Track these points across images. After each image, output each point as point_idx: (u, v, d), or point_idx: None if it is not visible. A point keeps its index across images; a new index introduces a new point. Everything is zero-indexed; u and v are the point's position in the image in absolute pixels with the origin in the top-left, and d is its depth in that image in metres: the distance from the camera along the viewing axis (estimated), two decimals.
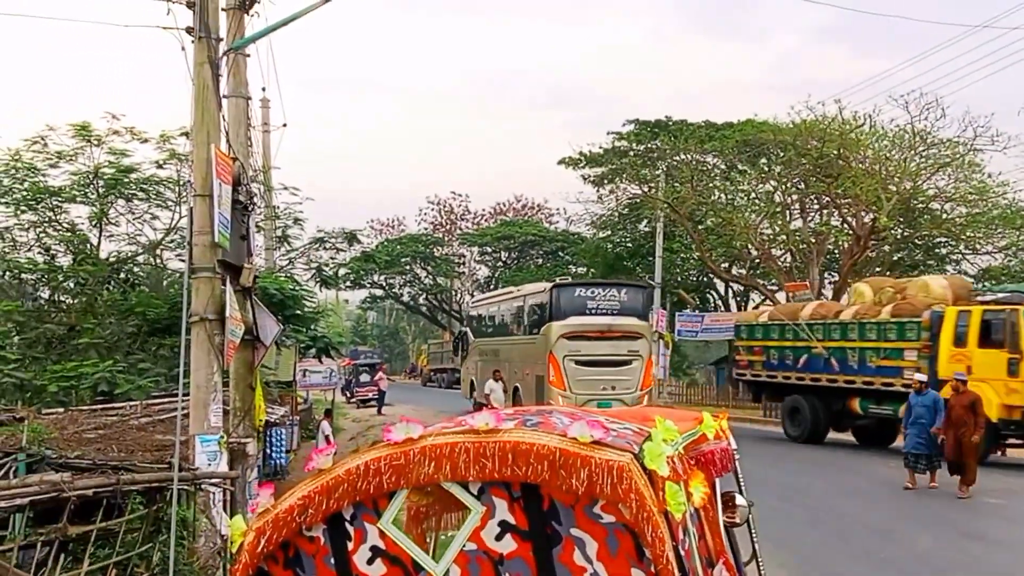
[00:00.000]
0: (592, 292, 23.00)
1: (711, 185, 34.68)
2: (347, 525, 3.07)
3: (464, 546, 2.97)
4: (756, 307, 44.51)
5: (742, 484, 4.48)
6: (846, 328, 20.06)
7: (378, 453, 3.05)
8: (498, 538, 2.94)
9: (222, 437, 8.50)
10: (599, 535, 2.84)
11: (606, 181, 39.60)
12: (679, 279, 41.84)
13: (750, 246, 33.71)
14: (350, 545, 3.07)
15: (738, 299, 43.73)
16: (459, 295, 59.51)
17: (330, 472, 3.10)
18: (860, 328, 19.63)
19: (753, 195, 34.93)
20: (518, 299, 26.49)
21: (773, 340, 22.68)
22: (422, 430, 3.07)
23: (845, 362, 19.94)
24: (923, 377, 15.18)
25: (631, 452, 2.87)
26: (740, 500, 4.19)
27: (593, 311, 22.40)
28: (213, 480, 8.13)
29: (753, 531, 4.41)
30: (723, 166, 36.83)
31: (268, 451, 15.92)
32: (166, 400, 12.00)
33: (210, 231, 8.27)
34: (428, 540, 3.20)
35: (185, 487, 7.44)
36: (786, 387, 22.40)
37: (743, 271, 37.53)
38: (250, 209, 9.93)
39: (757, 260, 35.62)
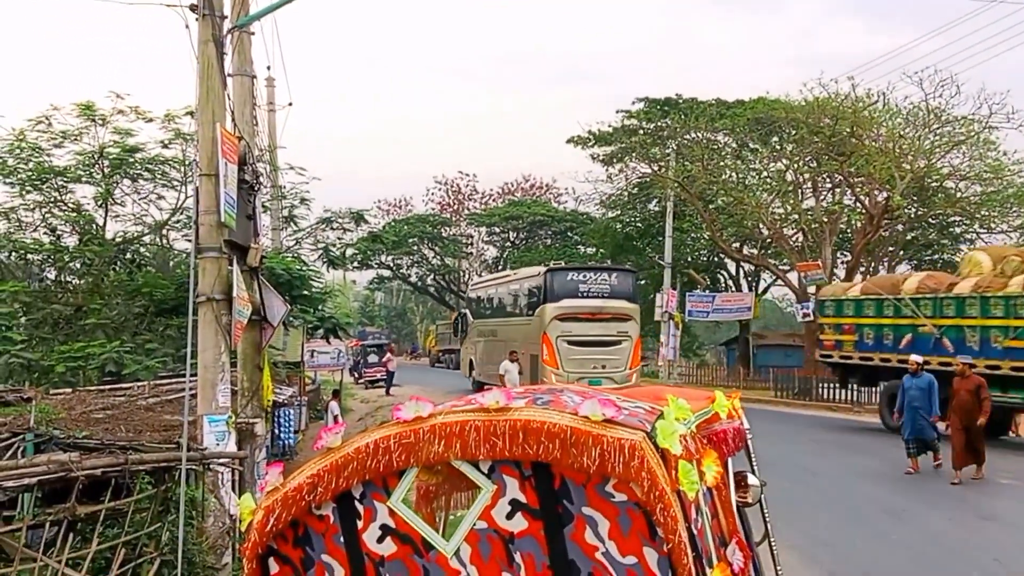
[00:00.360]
0: (584, 276, 24.56)
1: (722, 164, 34.51)
2: (356, 503, 3.08)
3: (475, 524, 2.97)
4: (767, 288, 44.59)
5: (755, 464, 4.47)
6: (963, 303, 17.73)
7: (388, 431, 3.04)
8: (509, 516, 2.94)
9: (230, 417, 8.54)
10: (611, 514, 2.83)
11: (615, 160, 39.45)
12: (689, 259, 41.77)
13: (761, 226, 33.59)
14: (360, 523, 3.08)
15: (749, 279, 43.64)
16: (467, 275, 59.54)
17: (339, 450, 3.09)
18: (983, 303, 17.27)
19: (765, 174, 34.76)
20: (515, 282, 28.11)
21: (868, 317, 20.35)
22: (432, 408, 3.07)
23: (962, 342, 17.48)
24: (920, 359, 14.64)
25: (643, 431, 2.86)
26: (752, 480, 4.18)
27: (585, 294, 24.00)
28: (221, 460, 8.19)
29: (765, 511, 4.41)
30: (734, 145, 36.63)
31: (276, 431, 16.05)
32: (174, 380, 12.08)
33: (216, 211, 8.28)
34: (438, 518, 3.20)
35: (193, 467, 7.48)
36: (883, 371, 20.00)
37: (754, 251, 37.42)
38: (256, 189, 9.93)
39: (769, 240, 35.49)
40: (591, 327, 23.61)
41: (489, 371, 28.87)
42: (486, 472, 2.96)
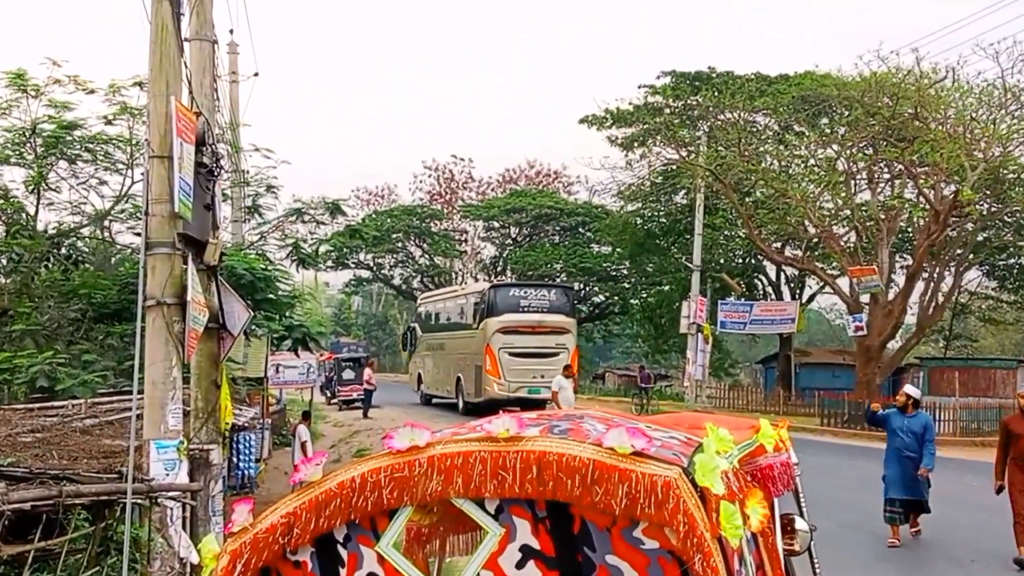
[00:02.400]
0: (525, 292, 30.89)
1: (762, 149, 34.56)
2: (339, 548, 3.07)
3: (478, 574, 2.96)
4: (812, 296, 44.62)
5: (803, 505, 4.47)
6: None
7: (377, 463, 3.04)
8: (519, 566, 2.93)
9: (182, 443, 8.53)
10: (640, 564, 2.82)
11: (636, 144, 39.50)
12: (722, 261, 41.83)
13: (807, 222, 33.59)
14: (342, 572, 3.07)
15: (791, 285, 43.69)
16: (460, 278, 59.59)
17: (320, 485, 3.08)
18: None
19: (812, 162, 34.79)
20: (461, 297, 34.30)
21: None
22: (430, 436, 3.06)
23: None
24: (915, 392, 12.93)
25: (679, 465, 2.85)
26: (801, 524, 4.18)
27: (526, 309, 29.89)
28: (171, 493, 8.17)
29: (816, 561, 4.41)
30: (776, 127, 36.67)
31: (235, 459, 16.02)
32: (116, 399, 12.06)
33: (169, 199, 8.29)
34: (435, 567, 3.19)
35: (138, 501, 7.46)
36: None
37: (798, 252, 37.43)
38: (216, 174, 9.93)
39: (815, 239, 35.48)
40: (531, 340, 29.40)
41: (439, 384, 35.11)
42: (493, 513, 2.95)
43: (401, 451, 3.04)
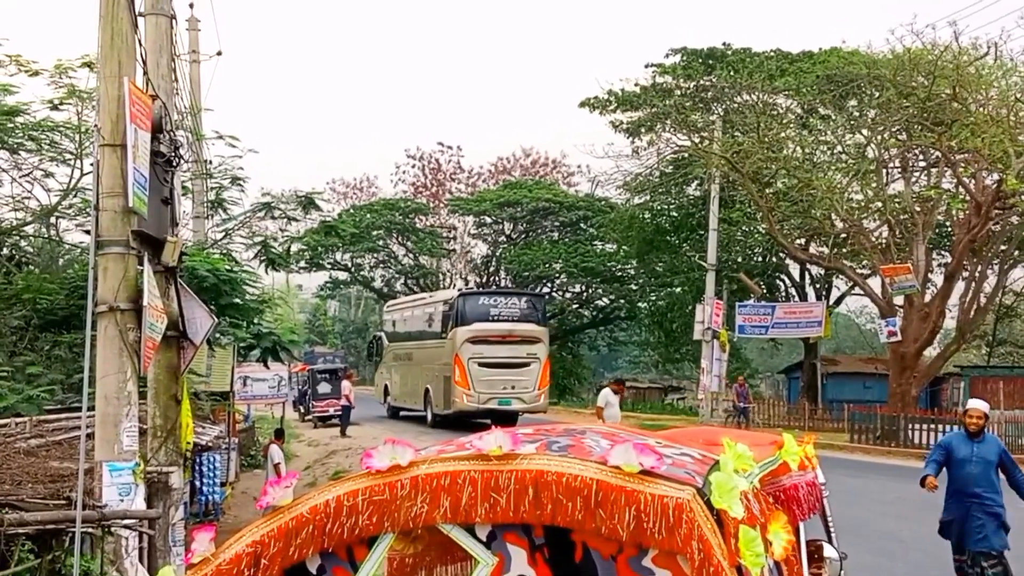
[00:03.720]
0: (495, 300, 32.90)
1: (783, 135, 34.58)
2: None
3: None
4: (841, 298, 44.71)
5: (832, 530, 4.48)
6: None
7: (354, 485, 3.03)
8: None
9: (138, 465, 8.51)
10: None
11: (644, 129, 39.55)
12: (740, 260, 41.89)
13: (834, 216, 33.63)
14: None
15: (817, 286, 43.78)
16: (448, 279, 59.62)
17: (290, 510, 3.07)
18: None
19: (839, 148, 34.85)
20: (429, 305, 36.13)
21: None
22: (413, 455, 3.05)
23: None
24: (984, 407, 10.34)
25: (693, 485, 2.85)
26: (830, 551, 4.20)
27: (495, 318, 31.65)
28: (126, 521, 8.15)
29: None
30: (799, 110, 36.73)
31: (198, 484, 15.99)
32: (64, 416, 12.02)
33: (122, 193, 8.28)
34: None
35: (89, 530, 7.44)
36: None
37: (825, 249, 37.45)
38: (175, 164, 9.93)
39: (844, 235, 35.52)
40: (501, 349, 31.16)
41: (406, 396, 36.98)
42: (484, 540, 2.95)
43: (381, 471, 3.03)
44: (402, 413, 37.92)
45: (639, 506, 2.78)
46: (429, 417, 33.59)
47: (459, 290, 36.77)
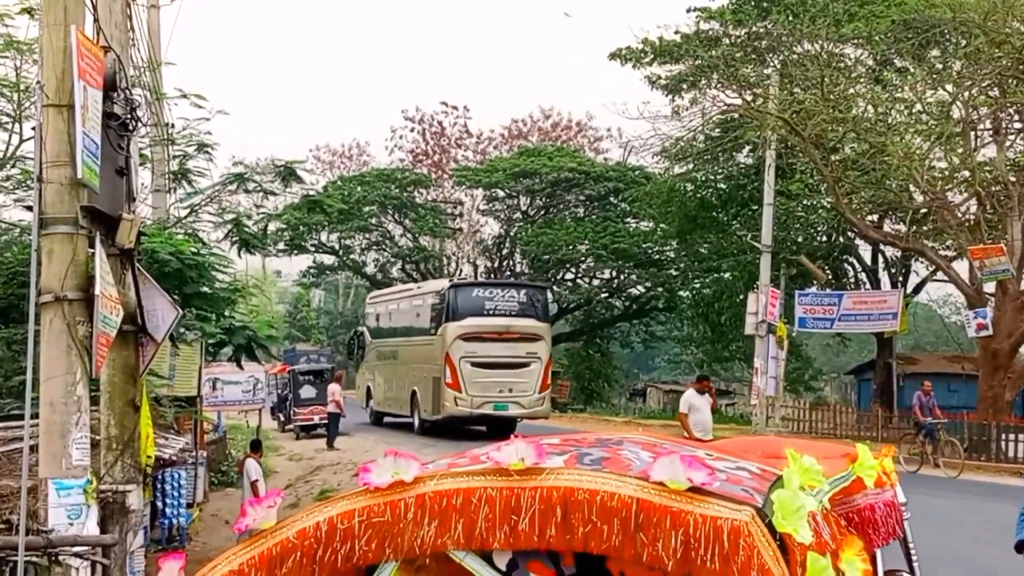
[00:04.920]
0: (490, 292, 33.98)
1: (852, 91, 34.43)
2: None
3: None
4: (920, 285, 44.55)
5: (914, 558, 4.48)
6: None
7: (349, 505, 3.04)
8: None
9: (89, 483, 8.55)
10: None
11: (686, 85, 39.40)
12: (800, 240, 41.74)
13: (913, 188, 33.53)
14: None
15: (892, 271, 43.61)
16: (454, 264, 59.65)
17: (274, 535, 3.08)
18: None
19: (918, 107, 34.67)
20: (417, 297, 37.44)
21: None
22: (419, 469, 3.06)
23: None
24: None
25: (751, 505, 2.85)
26: None
27: (491, 312, 32.80)
28: (77, 549, 8.18)
29: None
30: (871, 61, 36.55)
31: (160, 505, 16.05)
32: (2, 426, 12.06)
33: (70, 162, 8.31)
34: None
35: (33, 559, 7.47)
36: None
37: (902, 227, 37.36)
38: (131, 128, 9.94)
39: (924, 210, 35.44)
40: (497, 348, 32.12)
41: (391, 399, 38.16)
42: (504, 569, 2.96)
43: (381, 488, 3.03)
44: (386, 419, 38.86)
45: (688, 530, 2.78)
46: (416, 423, 34.52)
47: (450, 280, 38.02)
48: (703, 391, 21.26)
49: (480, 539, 2.92)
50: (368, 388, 40.87)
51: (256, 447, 20.34)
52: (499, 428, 31.70)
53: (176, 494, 16.79)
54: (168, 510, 16.48)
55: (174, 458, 16.66)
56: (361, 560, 2.99)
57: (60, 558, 8.06)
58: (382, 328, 40.44)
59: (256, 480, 18.42)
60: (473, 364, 31.81)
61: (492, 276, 55.95)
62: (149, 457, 11.20)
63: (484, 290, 34.47)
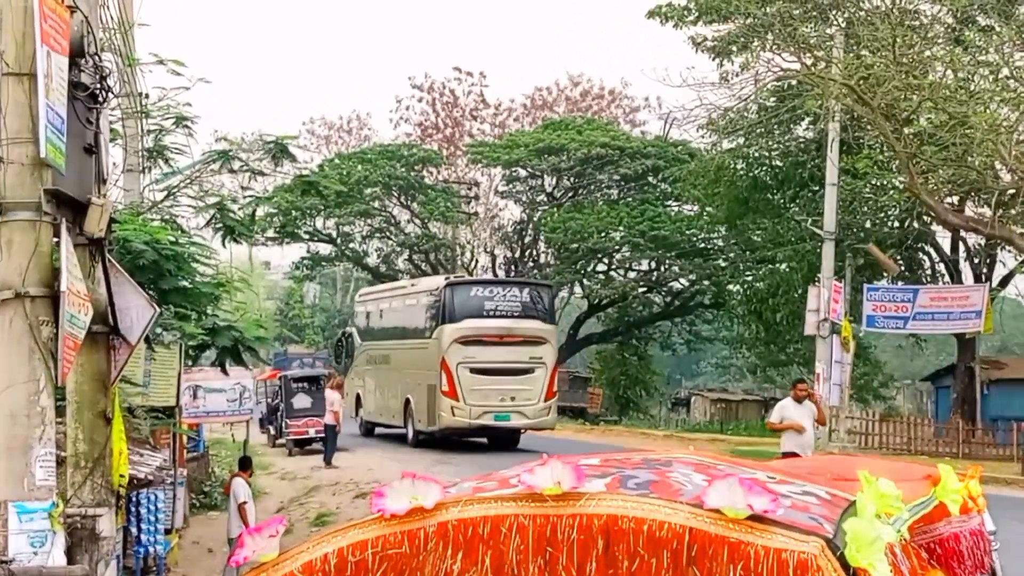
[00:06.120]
0: (490, 291, 34.99)
1: (928, 54, 34.33)
2: None
3: None
4: (1008, 277, 44.35)
5: None
6: None
7: (362, 535, 3.06)
8: None
9: (55, 506, 8.58)
10: None
11: (736, 48, 39.30)
12: (868, 225, 41.62)
13: (999, 165, 33.42)
14: None
15: (975, 261, 43.41)
16: (468, 253, 59.60)
17: (276, 568, 3.11)
18: None
19: (1005, 72, 34.55)
20: (410, 296, 38.51)
21: None
22: (440, 494, 3.08)
23: None
24: None
25: (821, 535, 2.86)
26: None
27: (491, 313, 33.80)
28: None
29: None
30: (950, 19, 36.41)
31: (135, 531, 16.10)
32: None
33: (32, 139, 8.31)
34: None
35: None
36: None
37: (986, 211, 37.21)
38: (101, 99, 9.96)
39: (1012, 191, 35.30)
40: (498, 352, 33.19)
41: (383, 409, 39.41)
42: None
43: (398, 516, 3.05)
44: (378, 431, 39.90)
45: (748, 563, 2.79)
46: (410, 435, 35.75)
47: (446, 278, 38.90)
48: (801, 399, 20.35)
49: (511, 574, 2.93)
50: (358, 395, 41.63)
51: (245, 465, 20.40)
52: (501, 440, 33.83)
53: (152, 519, 16.83)
54: (144, 536, 16.53)
55: (150, 477, 16.70)
56: None
57: None
58: (373, 329, 41.59)
59: (245, 502, 18.47)
60: (472, 370, 32.81)
61: (513, 268, 56.08)
62: (122, 476, 11.22)
63: (483, 289, 35.59)
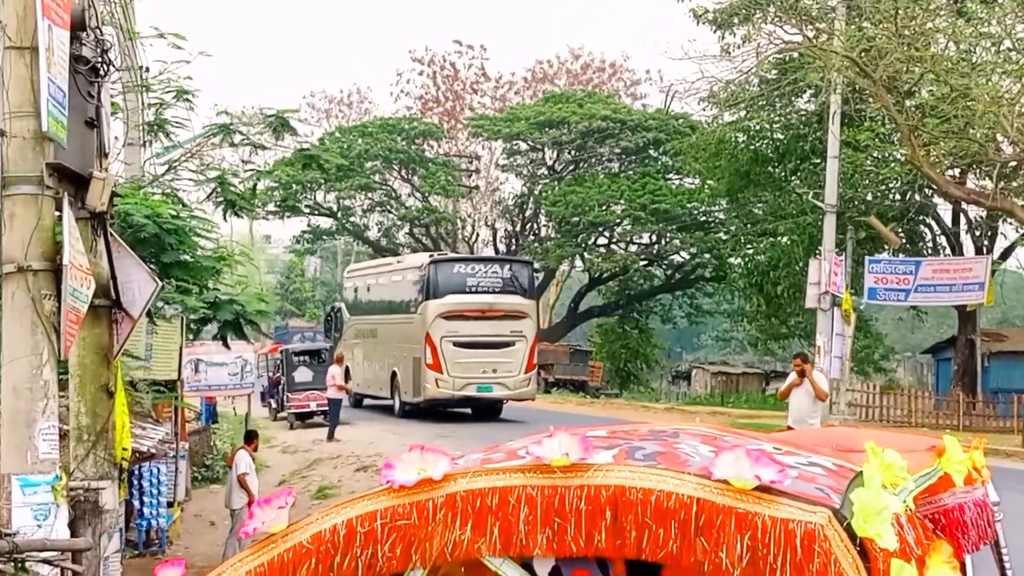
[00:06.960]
0: (472, 268, 37.01)
1: (930, 26, 34.21)
2: None
3: None
4: (1008, 250, 44.31)
5: (1007, 567, 4.48)
6: None
7: (371, 506, 3.06)
8: None
9: (58, 479, 8.58)
10: None
11: (738, 20, 39.19)
12: (870, 198, 41.53)
13: (1001, 137, 33.33)
14: None
15: (977, 233, 43.35)
16: (469, 227, 59.53)
17: (286, 539, 3.11)
18: None
19: (1007, 44, 34.42)
20: (396, 272, 40.68)
21: None
22: (449, 466, 3.08)
23: None
24: None
25: (828, 506, 2.86)
26: None
27: (473, 289, 35.72)
28: (45, 554, 8.22)
29: None
30: None
31: (137, 504, 16.12)
32: None
33: (34, 112, 8.29)
34: None
35: None
36: None
37: (988, 183, 37.13)
38: (103, 73, 9.93)
39: (1014, 163, 35.23)
40: (480, 326, 35.07)
41: (371, 380, 41.14)
42: None
43: (407, 487, 3.05)
44: (366, 402, 41.58)
45: (755, 534, 2.79)
46: (397, 406, 37.53)
47: (431, 255, 40.63)
48: (807, 366, 20.49)
49: (519, 544, 2.93)
50: (347, 368, 41.85)
51: (250, 437, 20.40)
52: (484, 411, 35.39)
53: (155, 491, 16.86)
54: (146, 510, 16.55)
55: (153, 451, 16.73)
56: (384, 568, 3.00)
57: (27, 565, 8.08)
58: (361, 304, 43.49)
59: (246, 474, 18.42)
60: (455, 344, 34.56)
61: (514, 241, 56.12)
62: (125, 450, 11.21)
63: (466, 266, 37.44)
